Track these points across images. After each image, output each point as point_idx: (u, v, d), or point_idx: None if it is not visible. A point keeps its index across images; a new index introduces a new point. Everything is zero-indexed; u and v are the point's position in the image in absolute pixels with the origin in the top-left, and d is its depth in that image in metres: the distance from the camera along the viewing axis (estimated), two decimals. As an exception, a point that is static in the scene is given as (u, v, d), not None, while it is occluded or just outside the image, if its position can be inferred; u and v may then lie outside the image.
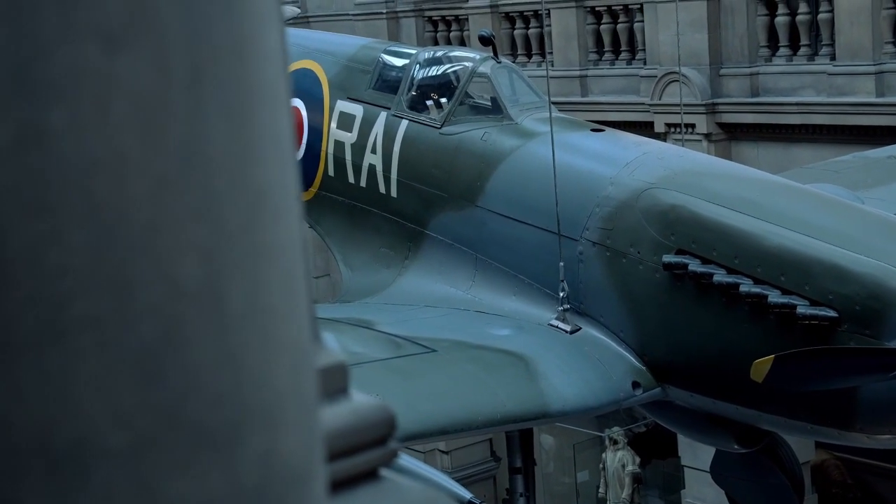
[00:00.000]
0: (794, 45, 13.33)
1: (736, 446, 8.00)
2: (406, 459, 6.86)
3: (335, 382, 1.23)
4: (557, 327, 7.79)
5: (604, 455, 15.03)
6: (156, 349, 0.78)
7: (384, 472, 1.28)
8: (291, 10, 14.27)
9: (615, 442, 14.75)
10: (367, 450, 1.25)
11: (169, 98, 0.78)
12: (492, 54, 9.17)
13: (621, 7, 14.80)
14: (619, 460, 14.72)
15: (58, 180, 0.74)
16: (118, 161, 0.76)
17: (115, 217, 0.76)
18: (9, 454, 0.73)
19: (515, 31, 16.18)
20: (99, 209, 0.76)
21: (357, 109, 9.68)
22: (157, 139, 0.77)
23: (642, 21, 14.43)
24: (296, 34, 11.40)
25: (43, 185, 0.74)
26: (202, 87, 0.79)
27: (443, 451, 15.80)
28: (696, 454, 12.64)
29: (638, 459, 14.86)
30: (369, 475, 1.27)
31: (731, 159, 12.06)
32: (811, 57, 13.19)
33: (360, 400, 1.28)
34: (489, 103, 8.95)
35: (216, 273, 0.81)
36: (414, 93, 9.33)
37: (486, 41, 9.13)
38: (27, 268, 0.74)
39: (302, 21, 17.37)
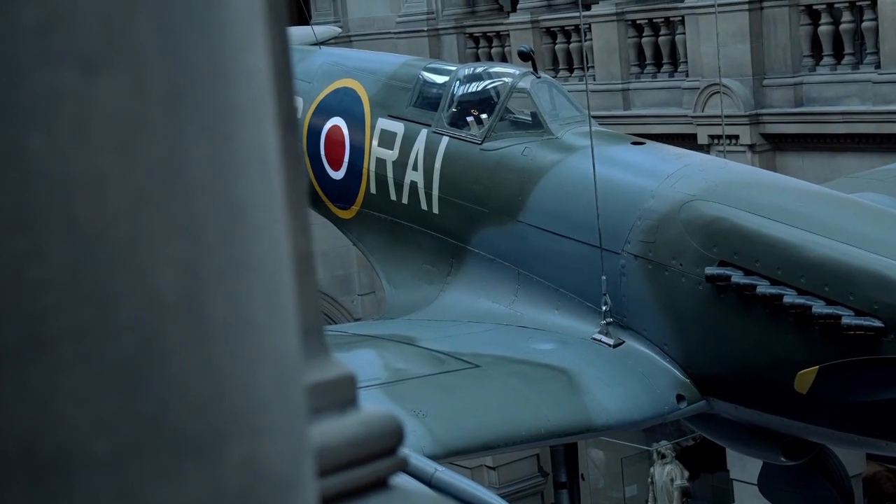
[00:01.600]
0: (837, 54, 13.24)
1: (783, 459, 7.93)
2: (450, 475, 6.86)
3: (344, 394, 1.25)
4: (600, 341, 7.77)
5: (652, 469, 14.94)
6: (137, 360, 0.81)
7: (393, 481, 1.30)
8: (332, 30, 14.37)
9: (663, 456, 14.67)
10: (376, 460, 1.27)
11: (147, 118, 0.81)
12: (531, 69, 9.18)
13: (663, 20, 14.77)
14: (668, 474, 14.63)
15: (37, 199, 0.77)
16: (97, 180, 0.79)
17: (95, 233, 0.79)
18: None
19: (557, 46, 16.20)
20: (78, 226, 0.79)
21: (398, 127, 9.73)
22: (135, 158, 0.80)
23: (684, 33, 14.39)
24: (336, 53, 11.49)
25: (23, 204, 0.77)
26: (180, 107, 0.82)
27: (490, 467, 15.78)
28: (745, 467, 12.53)
29: (686, 473, 14.76)
30: (379, 484, 1.28)
31: (775, 170, 12.00)
32: (855, 66, 13.09)
33: (369, 410, 1.30)
34: (529, 118, 8.97)
35: (196, 286, 0.84)
36: (454, 109, 9.37)
37: (525, 56, 9.14)
38: (8, 282, 0.77)
39: (343, 40, 17.48)
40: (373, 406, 1.30)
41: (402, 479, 1.30)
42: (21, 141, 0.77)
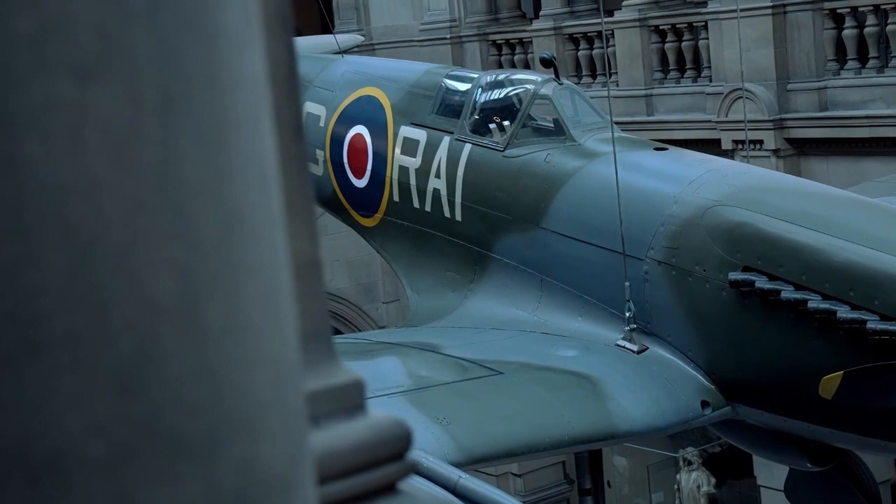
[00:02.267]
0: (862, 58, 13.17)
1: (809, 465, 7.89)
2: (474, 482, 6.85)
3: (352, 399, 1.26)
4: (624, 347, 7.76)
5: (678, 476, 14.89)
6: (133, 363, 0.82)
7: (402, 485, 1.30)
8: (355, 39, 14.41)
9: (690, 462, 14.61)
10: (384, 464, 1.28)
11: (141, 125, 0.82)
12: (553, 76, 9.18)
13: (685, 25, 14.75)
14: (695, 481, 14.58)
15: (32, 205, 0.79)
16: (91, 186, 0.80)
17: (90, 239, 0.80)
18: None
19: (580, 53, 16.19)
20: (73, 231, 0.80)
21: (421, 134, 9.75)
22: (129, 164, 0.81)
23: (707, 38, 14.36)
24: (359, 62, 11.52)
25: (19, 210, 0.78)
26: (174, 114, 0.83)
27: (515, 475, 15.75)
28: (772, 473, 12.46)
29: (713, 480, 14.70)
30: (387, 489, 1.29)
31: (800, 175, 11.95)
32: (880, 69, 13.03)
33: (377, 416, 1.30)
34: (552, 125, 8.96)
35: (192, 290, 0.85)
36: (476, 116, 9.38)
37: (547, 63, 9.15)
38: (5, 287, 0.78)
39: (367, 48, 17.53)
40: (381, 411, 1.31)
41: (411, 483, 1.30)
42: (17, 148, 0.78)
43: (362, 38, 16.39)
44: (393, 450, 1.31)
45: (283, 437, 0.90)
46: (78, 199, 0.80)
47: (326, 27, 14.53)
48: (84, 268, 0.80)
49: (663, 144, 8.78)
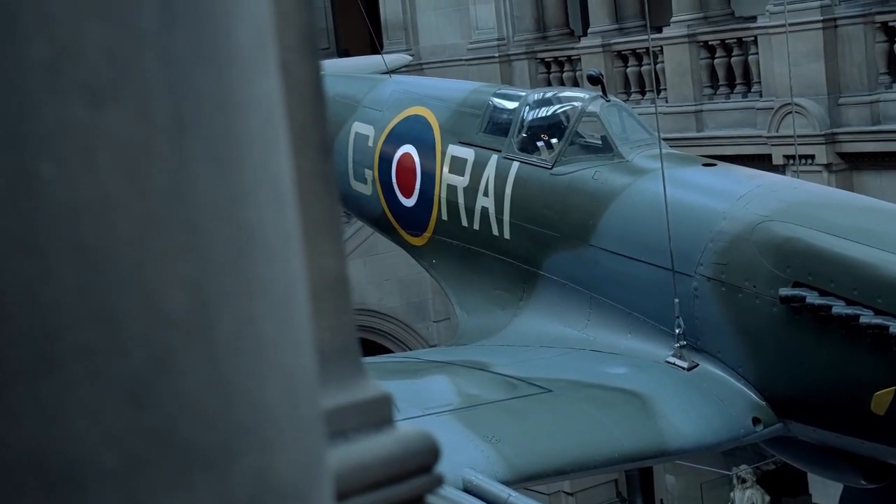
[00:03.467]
0: (914, 71, 13.06)
1: (863, 482, 7.80)
2: (524, 500, 6.84)
3: (380, 413, 1.28)
4: (674, 364, 7.72)
5: (732, 494, 14.76)
6: (146, 376, 0.85)
7: (430, 498, 1.32)
8: (403, 58, 14.49)
9: (743, 480, 14.48)
10: (412, 477, 1.29)
11: (153, 146, 0.85)
12: (601, 93, 9.18)
13: (735, 40, 14.68)
14: (749, 499, 14.44)
15: (47, 224, 0.82)
16: (104, 205, 0.83)
17: (103, 256, 0.83)
18: (6, 474, 0.80)
19: (628, 69, 16.17)
20: (87, 249, 0.83)
21: (468, 153, 9.77)
22: (141, 184, 0.84)
23: (757, 53, 14.28)
24: (407, 81, 11.58)
25: (34, 229, 0.81)
26: (186, 135, 0.86)
27: (567, 493, 15.69)
28: (827, 491, 12.32)
29: (767, 498, 14.56)
30: (415, 502, 1.31)
31: (852, 189, 11.84)
32: (934, 82, 12.91)
33: (405, 429, 1.32)
34: (599, 142, 8.96)
35: (204, 305, 0.87)
36: (524, 134, 9.39)
37: (594, 80, 9.14)
38: (21, 303, 0.81)
39: (415, 68, 17.61)
40: (409, 425, 1.32)
41: (440, 496, 1.32)
42: (32, 169, 0.81)
43: (410, 58, 16.47)
44: (421, 463, 1.32)
45: (296, 448, 0.92)
46: (91, 218, 0.82)
47: (375, 47, 14.63)
48: (98, 284, 0.83)
49: (712, 160, 8.75)
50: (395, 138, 10.58)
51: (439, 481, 1.34)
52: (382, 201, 10.71)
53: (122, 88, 0.83)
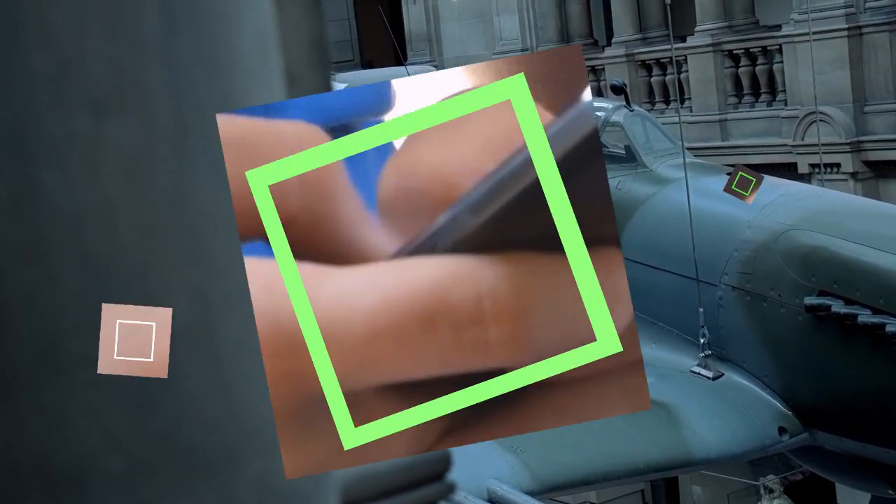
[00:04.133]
0: (941, 78, 12.98)
1: (891, 491, 7.75)
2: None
3: (391, 421, 1.28)
4: (699, 374, 7.70)
5: (760, 504, 14.67)
6: (149, 381, 0.86)
7: (442, 506, 1.32)
8: (428, 69, 14.52)
9: (771, 490, 14.37)
10: (423, 485, 1.30)
11: (156, 155, 0.86)
12: (625, 103, 9.17)
13: (759, 49, 14.63)
14: (777, 509, 14.35)
15: (51, 231, 0.83)
16: (107, 213, 0.84)
17: (106, 263, 0.85)
18: (11, 479, 0.81)
19: (652, 79, 16.13)
20: (90, 256, 0.84)
21: (493, 164, 9.77)
22: (144, 191, 0.86)
23: (781, 62, 14.23)
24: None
25: (38, 236, 0.83)
26: (188, 144, 0.87)
27: (594, 504, 15.65)
28: (855, 501, 12.25)
29: (796, 508, 14.46)
30: (427, 510, 1.31)
31: (878, 198, 11.77)
32: (960, 89, 12.82)
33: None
34: (623, 151, 8.94)
35: (206, 310, 0.88)
36: (548, 145, 9.39)
37: (617, 90, 9.15)
38: (24, 310, 0.83)
39: (440, 79, 17.61)
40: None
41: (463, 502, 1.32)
42: (36, 178, 0.83)
43: (434, 69, 16.50)
44: (432, 470, 1.33)
45: (300, 452, 0.93)
46: (94, 225, 0.84)
47: (399, 59, 14.66)
48: (101, 290, 0.84)
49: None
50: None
51: (451, 489, 1.35)
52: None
53: (125, 98, 0.85)
